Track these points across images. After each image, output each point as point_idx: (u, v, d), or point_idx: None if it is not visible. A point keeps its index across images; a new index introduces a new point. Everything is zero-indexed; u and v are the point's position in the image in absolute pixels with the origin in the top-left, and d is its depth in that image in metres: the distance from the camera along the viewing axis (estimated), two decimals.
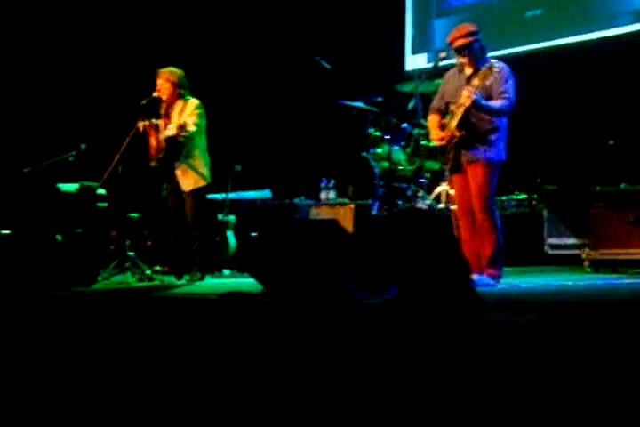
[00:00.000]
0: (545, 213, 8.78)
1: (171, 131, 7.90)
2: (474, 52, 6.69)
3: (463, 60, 6.76)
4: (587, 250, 7.98)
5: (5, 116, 11.53)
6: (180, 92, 8.10)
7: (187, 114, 7.99)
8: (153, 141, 8.06)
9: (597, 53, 9.68)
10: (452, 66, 7.07)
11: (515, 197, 9.52)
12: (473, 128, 6.62)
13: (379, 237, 5.59)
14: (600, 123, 9.53)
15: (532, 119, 9.25)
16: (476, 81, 6.52)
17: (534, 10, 10.29)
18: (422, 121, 8.80)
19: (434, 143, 7.17)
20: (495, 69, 6.52)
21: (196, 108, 8.04)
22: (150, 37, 12.17)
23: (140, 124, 8.02)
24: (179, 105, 8.10)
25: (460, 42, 6.70)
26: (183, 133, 7.86)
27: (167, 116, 8.13)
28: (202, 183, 8.06)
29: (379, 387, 3.88)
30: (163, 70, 8.13)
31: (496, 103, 6.58)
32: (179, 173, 8.05)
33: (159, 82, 8.09)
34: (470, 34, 6.70)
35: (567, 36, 10.02)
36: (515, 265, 8.02)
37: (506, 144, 6.74)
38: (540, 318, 4.29)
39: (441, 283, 4.56)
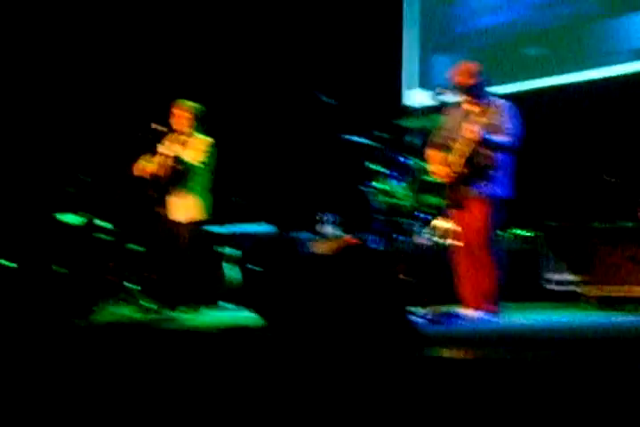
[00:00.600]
0: (544, 248, 8.77)
1: (172, 152, 7.90)
2: (476, 90, 6.74)
3: (465, 96, 6.80)
4: (586, 286, 7.95)
5: (8, 145, 11.55)
6: (194, 125, 8.13)
7: (196, 149, 8.00)
8: (157, 168, 8.05)
9: (597, 91, 9.72)
10: (451, 102, 7.10)
11: (514, 232, 9.51)
12: (474, 164, 6.65)
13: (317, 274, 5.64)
14: (600, 160, 9.55)
15: (532, 156, 9.26)
16: (477, 118, 6.54)
17: (534, 47, 10.34)
18: (421, 156, 8.83)
19: (433, 178, 7.19)
20: (497, 107, 6.56)
21: (206, 145, 8.06)
22: (151, 71, 12.23)
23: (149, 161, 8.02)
24: (188, 139, 8.11)
25: (461, 79, 6.75)
26: (181, 164, 7.87)
27: (178, 143, 8.13)
28: (198, 217, 8.06)
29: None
30: (182, 102, 8.17)
31: (500, 138, 6.61)
32: (177, 204, 8.04)
33: (177, 112, 8.12)
34: (472, 71, 6.75)
35: (567, 73, 10.06)
36: (513, 301, 7.98)
37: (509, 181, 6.76)
38: (535, 354, 4.29)
39: (373, 318, 4.57)
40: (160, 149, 8.06)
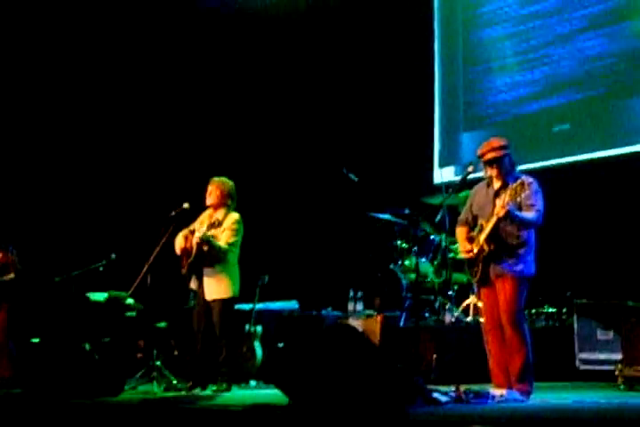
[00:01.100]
0: (576, 327, 8.64)
1: (200, 233, 7.96)
2: (504, 166, 6.74)
3: (492, 173, 6.80)
4: (620, 366, 7.77)
5: (35, 224, 11.67)
6: (227, 202, 8.23)
7: (227, 226, 8.07)
8: (186, 246, 8.11)
9: (625, 167, 9.72)
10: (479, 179, 7.11)
11: (544, 310, 9.41)
12: (501, 242, 6.62)
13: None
14: (630, 236, 9.50)
15: (561, 232, 9.26)
16: (506, 196, 6.53)
17: (562, 125, 10.39)
18: (449, 234, 8.83)
19: (462, 256, 7.17)
20: (523, 183, 6.55)
21: (234, 222, 8.13)
22: (179, 148, 12.40)
23: (182, 237, 8.10)
24: (221, 213, 8.19)
25: (490, 155, 6.76)
26: (206, 245, 7.93)
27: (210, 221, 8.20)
28: (229, 295, 8.08)
29: None
30: (216, 179, 8.29)
31: (527, 214, 6.61)
32: (207, 282, 8.07)
33: (210, 188, 8.26)
34: (501, 148, 6.77)
35: (595, 150, 10.08)
36: (545, 380, 7.86)
37: (534, 258, 6.74)
38: None
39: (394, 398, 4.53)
40: (194, 228, 8.14)
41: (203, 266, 8.06)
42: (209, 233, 7.90)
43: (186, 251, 8.08)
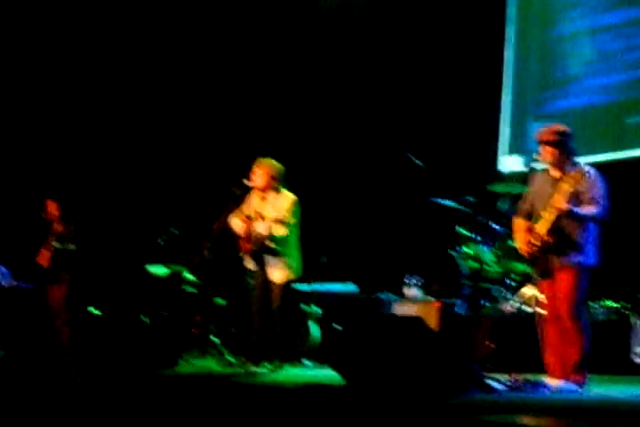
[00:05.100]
0: (634, 321, 8.59)
1: (263, 230, 8.02)
2: (561, 152, 6.66)
3: (549, 158, 6.72)
4: None
5: (99, 198, 11.81)
6: (274, 185, 8.23)
7: (283, 209, 8.09)
8: (245, 231, 8.16)
9: None
10: (544, 169, 7.05)
11: (603, 304, 9.34)
12: (563, 233, 6.57)
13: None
14: None
15: (623, 226, 9.15)
16: (566, 186, 6.46)
17: (636, 117, 10.23)
18: (510, 223, 8.78)
19: (520, 250, 7.09)
20: (585, 174, 6.48)
21: (293, 204, 8.15)
22: (244, 127, 12.44)
23: (238, 222, 8.16)
24: (271, 196, 8.22)
25: (547, 137, 6.70)
26: (271, 241, 8.00)
27: (262, 200, 8.23)
28: (291, 277, 8.13)
29: None
30: (264, 160, 8.28)
31: (589, 210, 6.53)
32: (270, 265, 8.12)
33: (257, 171, 8.23)
34: (560, 133, 6.70)
35: None
36: (600, 373, 7.80)
37: (597, 249, 6.68)
38: None
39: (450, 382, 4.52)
40: (248, 213, 8.19)
41: (266, 254, 8.12)
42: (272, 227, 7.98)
43: (247, 240, 8.13)
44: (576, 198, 6.53)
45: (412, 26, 11.97)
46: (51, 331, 9.48)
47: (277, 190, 8.25)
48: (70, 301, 9.49)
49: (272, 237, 8.03)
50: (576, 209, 6.49)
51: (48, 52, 12.32)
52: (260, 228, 8.10)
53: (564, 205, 6.42)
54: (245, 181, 8.23)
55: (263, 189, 8.26)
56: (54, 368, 7.60)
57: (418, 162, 9.65)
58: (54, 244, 9.62)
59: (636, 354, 8.51)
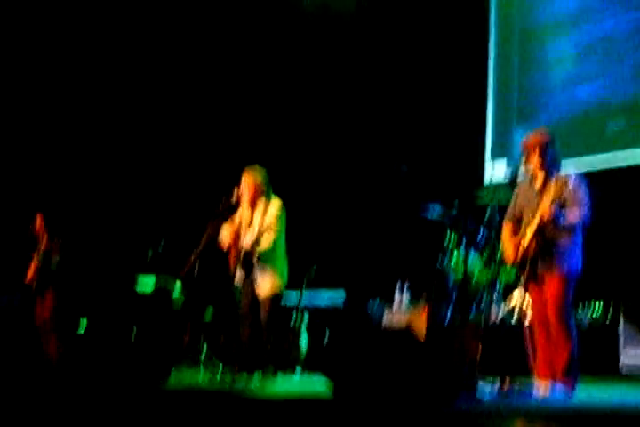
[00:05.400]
0: (621, 324, 8.63)
1: (249, 240, 8.04)
2: (545, 158, 6.70)
3: (533, 165, 6.76)
4: None
5: (85, 211, 11.80)
6: (263, 190, 8.26)
7: (272, 216, 8.11)
8: (232, 250, 8.18)
9: None
10: (528, 176, 7.07)
11: (590, 308, 9.38)
12: (548, 241, 6.62)
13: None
14: None
15: (608, 232, 9.20)
16: (549, 193, 6.51)
17: (617, 121, 10.27)
18: (498, 228, 8.81)
19: (505, 260, 7.11)
20: (568, 181, 6.53)
21: (277, 210, 8.16)
22: (233, 135, 12.46)
23: (227, 235, 8.17)
24: (261, 204, 8.23)
25: (532, 143, 6.75)
26: (259, 252, 8.01)
27: (252, 209, 8.25)
28: (278, 290, 8.12)
29: None
30: (249, 169, 8.30)
31: (572, 217, 6.58)
32: (257, 277, 8.12)
33: (244, 179, 8.26)
34: (543, 139, 6.76)
35: None
36: (590, 376, 7.84)
37: (581, 255, 6.72)
38: None
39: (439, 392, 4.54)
40: (237, 225, 8.20)
41: (251, 266, 8.13)
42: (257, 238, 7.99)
43: (233, 251, 8.14)
44: (560, 205, 6.57)
45: (398, 32, 12.01)
46: (37, 347, 9.46)
47: (268, 197, 8.27)
48: (57, 315, 9.47)
49: (258, 249, 8.04)
50: (561, 217, 6.53)
51: (38, 62, 12.33)
52: (248, 237, 8.11)
53: (548, 213, 6.47)
54: (233, 199, 8.26)
55: (252, 199, 8.28)
56: (40, 385, 7.60)
57: (404, 168, 9.68)
58: (40, 258, 9.60)
59: (625, 357, 8.55)
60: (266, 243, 8.05)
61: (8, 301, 10.24)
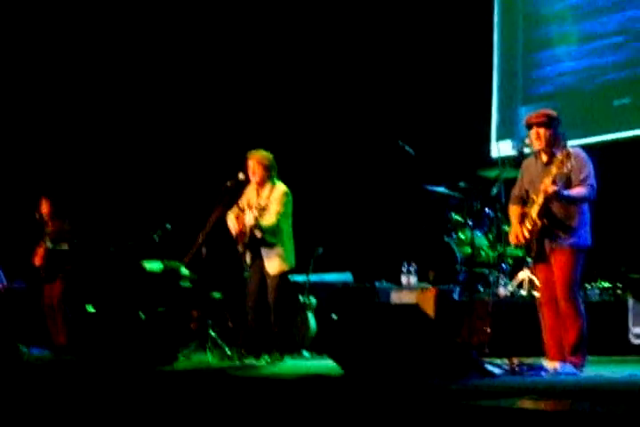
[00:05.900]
0: (630, 301, 8.60)
1: (249, 220, 8.03)
2: (550, 134, 6.66)
3: (538, 142, 6.72)
4: None
5: (92, 194, 11.80)
6: (270, 174, 8.22)
7: (273, 200, 8.09)
8: (238, 226, 8.16)
9: None
10: (534, 153, 7.05)
11: (598, 285, 9.35)
12: (555, 216, 6.58)
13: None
14: None
15: (616, 207, 9.17)
16: (554, 169, 6.48)
17: (622, 99, 10.23)
18: (504, 207, 8.79)
19: (511, 241, 7.08)
20: (572, 156, 6.49)
21: (283, 195, 8.14)
22: (236, 119, 12.44)
23: (232, 218, 8.15)
24: (267, 188, 8.21)
25: (536, 119, 6.71)
26: (259, 230, 7.99)
27: (257, 193, 8.23)
28: (285, 268, 8.13)
29: None
30: (254, 152, 8.26)
31: (578, 192, 6.54)
32: (264, 256, 8.12)
33: (250, 164, 8.22)
34: (548, 115, 6.72)
35: None
36: (598, 354, 7.82)
37: (589, 230, 6.69)
38: (616, 409, 4.21)
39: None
40: (243, 206, 8.18)
41: (259, 246, 8.12)
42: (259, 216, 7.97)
43: (240, 233, 8.14)
44: (565, 181, 6.54)
45: (402, 14, 11.96)
46: (45, 331, 9.49)
47: (273, 182, 8.24)
48: (66, 299, 9.48)
49: (259, 226, 8.02)
50: (565, 191, 6.51)
51: (45, 51, 12.34)
52: (248, 218, 8.10)
53: (552, 188, 6.43)
54: (240, 176, 8.22)
55: (260, 183, 8.25)
56: (50, 368, 7.61)
57: (409, 149, 9.65)
58: (48, 243, 9.61)
59: (633, 334, 8.53)
60: (269, 219, 8.03)
61: (17, 285, 10.27)
